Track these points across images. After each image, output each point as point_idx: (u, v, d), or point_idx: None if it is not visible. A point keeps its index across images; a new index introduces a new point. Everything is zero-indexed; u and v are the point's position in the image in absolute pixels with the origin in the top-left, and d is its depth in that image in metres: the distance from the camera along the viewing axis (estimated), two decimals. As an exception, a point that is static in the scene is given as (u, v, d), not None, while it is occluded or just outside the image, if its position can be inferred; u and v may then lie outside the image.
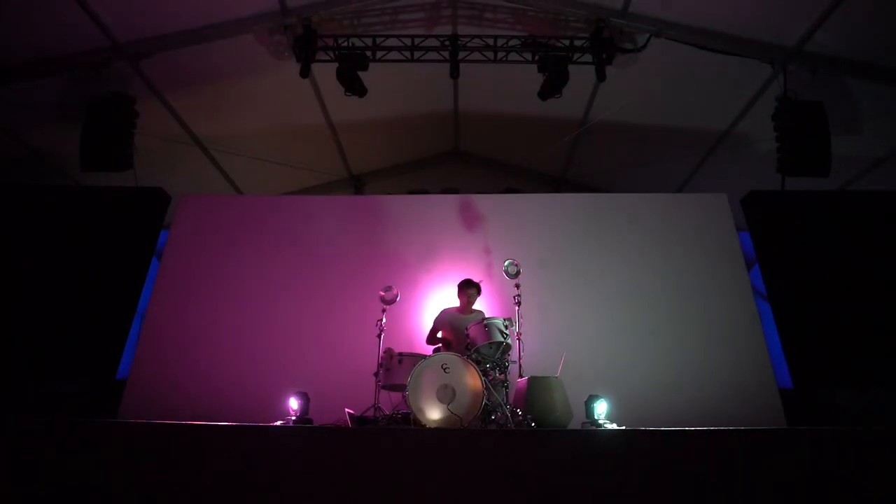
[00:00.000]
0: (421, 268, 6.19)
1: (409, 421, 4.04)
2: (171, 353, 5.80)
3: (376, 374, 4.58)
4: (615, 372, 5.49)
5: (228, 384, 5.59)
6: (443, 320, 5.14)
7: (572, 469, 2.72)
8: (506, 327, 4.48)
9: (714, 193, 6.51)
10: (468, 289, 5.11)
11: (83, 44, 5.93)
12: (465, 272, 5.70)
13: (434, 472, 2.71)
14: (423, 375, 4.04)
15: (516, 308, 4.81)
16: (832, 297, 5.73)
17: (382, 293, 5.00)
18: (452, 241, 6.34)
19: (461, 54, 6.33)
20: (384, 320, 4.86)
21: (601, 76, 6.18)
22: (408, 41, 6.34)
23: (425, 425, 3.86)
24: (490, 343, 4.40)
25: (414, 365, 4.14)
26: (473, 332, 4.53)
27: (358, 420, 4.38)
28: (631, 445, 2.90)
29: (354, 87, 6.35)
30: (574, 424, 4.34)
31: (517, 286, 4.89)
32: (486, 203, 6.62)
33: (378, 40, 6.34)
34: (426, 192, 7.70)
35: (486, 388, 4.03)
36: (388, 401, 4.67)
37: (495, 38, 6.36)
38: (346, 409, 4.53)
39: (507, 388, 4.55)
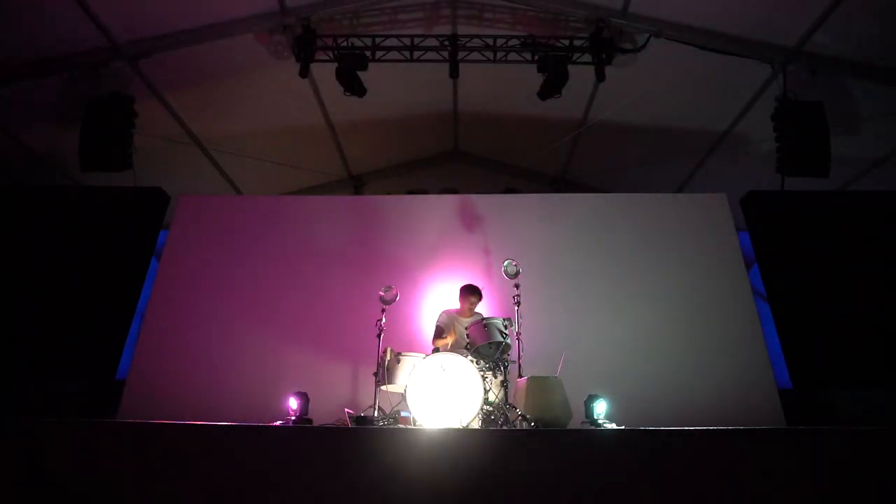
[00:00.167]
0: (420, 268, 6.19)
1: (408, 421, 4.04)
2: (171, 353, 5.80)
3: (376, 374, 4.58)
4: (614, 372, 5.49)
5: (228, 384, 5.59)
6: (442, 321, 5.14)
7: (572, 469, 2.72)
8: (505, 327, 4.48)
9: (713, 193, 6.52)
10: (471, 296, 5.08)
11: (82, 44, 5.93)
12: (464, 272, 5.70)
13: (433, 472, 2.71)
14: (423, 375, 4.05)
15: (516, 308, 4.82)
16: (831, 297, 5.74)
17: (382, 293, 5.00)
18: (452, 242, 6.34)
19: (461, 54, 6.33)
20: (384, 320, 4.85)
21: (601, 76, 6.19)
22: (407, 41, 6.35)
23: (424, 425, 3.87)
24: (489, 343, 4.40)
25: (413, 365, 4.14)
26: (473, 331, 4.54)
27: (357, 420, 4.38)
28: (630, 445, 2.90)
29: (354, 87, 6.35)
30: (573, 424, 4.33)
31: (516, 286, 4.89)
32: (485, 203, 6.62)
33: (377, 40, 6.34)
34: (426, 192, 7.70)
35: (486, 388, 4.03)
36: (388, 401, 4.67)
37: (495, 38, 6.36)
38: (346, 409, 4.53)
39: (506, 388, 4.55)
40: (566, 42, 6.29)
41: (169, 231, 6.49)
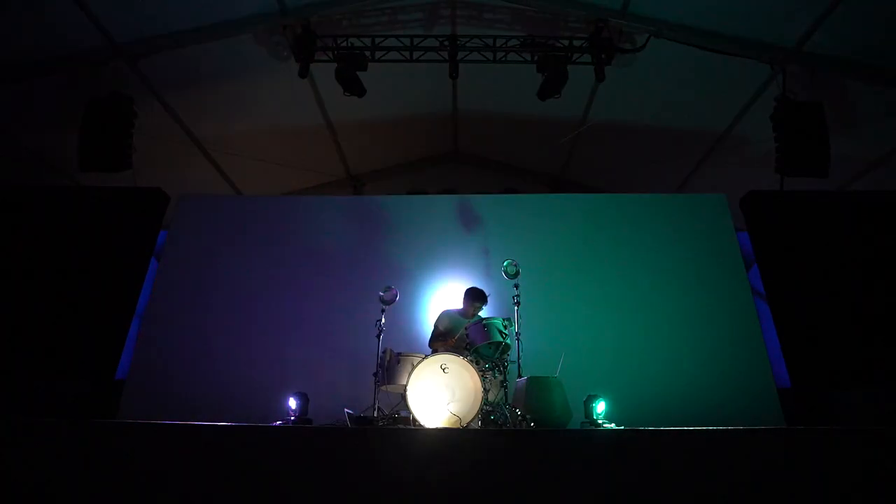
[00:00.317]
0: (420, 268, 6.20)
1: (408, 421, 4.04)
2: (171, 353, 5.81)
3: (375, 374, 4.58)
4: (614, 372, 5.50)
5: (228, 384, 5.59)
6: (442, 321, 5.14)
7: (571, 469, 2.72)
8: (505, 327, 4.49)
9: (713, 194, 6.52)
10: (476, 301, 5.01)
11: (82, 44, 5.92)
12: (464, 272, 5.71)
13: (433, 472, 2.71)
14: (423, 375, 4.05)
15: (515, 308, 4.82)
16: (831, 297, 5.74)
17: (381, 293, 5.00)
18: (451, 242, 6.34)
19: (460, 54, 6.33)
20: (383, 320, 4.85)
21: (600, 76, 6.18)
22: (407, 41, 6.34)
23: (424, 426, 3.87)
24: (489, 343, 4.40)
25: (413, 365, 4.14)
26: (473, 332, 4.54)
27: (357, 420, 4.38)
28: (630, 445, 2.91)
29: (353, 87, 6.35)
30: (573, 424, 4.34)
31: (516, 286, 4.90)
32: (484, 203, 6.62)
33: (377, 40, 6.34)
34: (425, 192, 7.71)
35: (486, 389, 4.03)
36: (388, 401, 4.67)
37: (494, 38, 6.35)
38: (346, 409, 4.53)
39: (506, 388, 4.55)
40: (566, 42, 6.29)
41: (169, 231, 6.49)
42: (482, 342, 4.41)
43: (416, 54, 6.37)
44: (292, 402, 4.65)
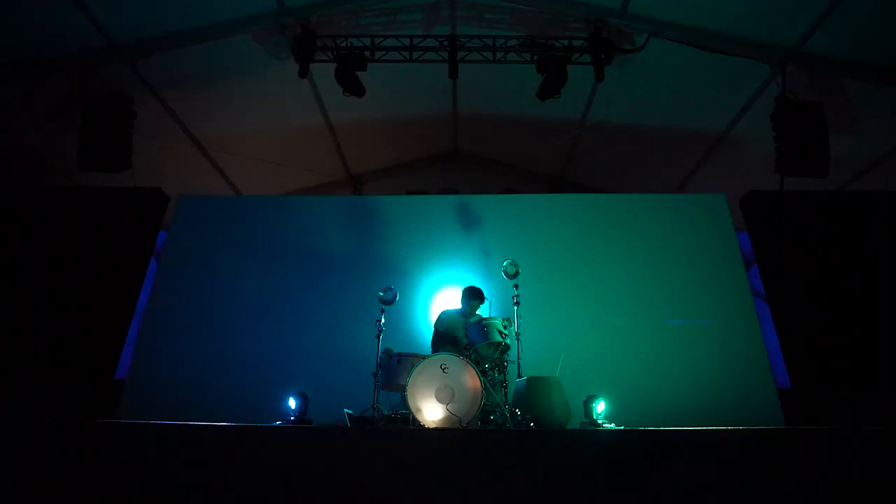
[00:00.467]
0: (420, 268, 6.20)
1: (407, 421, 4.04)
2: (171, 353, 5.81)
3: (375, 375, 4.58)
4: (614, 372, 5.50)
5: (228, 384, 5.59)
6: (442, 321, 5.14)
7: (571, 469, 2.72)
8: (504, 327, 4.48)
9: (713, 193, 6.52)
10: (473, 299, 5.02)
11: (81, 45, 5.92)
12: (463, 272, 5.71)
13: (433, 472, 2.71)
14: (422, 376, 4.05)
15: (515, 308, 4.82)
16: (831, 297, 5.74)
17: (381, 293, 5.00)
18: (451, 242, 6.34)
19: (460, 54, 6.33)
20: (383, 321, 4.85)
21: (600, 76, 6.18)
22: (406, 41, 6.34)
23: (424, 426, 3.87)
24: (489, 343, 4.40)
25: (413, 365, 4.14)
26: (472, 332, 4.54)
27: (357, 420, 4.38)
28: (630, 445, 2.91)
29: (353, 87, 6.35)
30: (573, 424, 4.35)
31: (516, 286, 4.89)
32: (484, 203, 6.62)
33: (377, 40, 6.34)
34: (425, 192, 7.71)
35: (485, 388, 4.03)
36: (388, 401, 4.67)
37: (494, 38, 6.36)
38: (345, 410, 4.53)
39: (505, 387, 4.55)
40: (565, 42, 6.29)
41: (168, 231, 6.49)
42: (482, 342, 4.41)
43: (415, 54, 6.37)
44: (292, 402, 4.65)
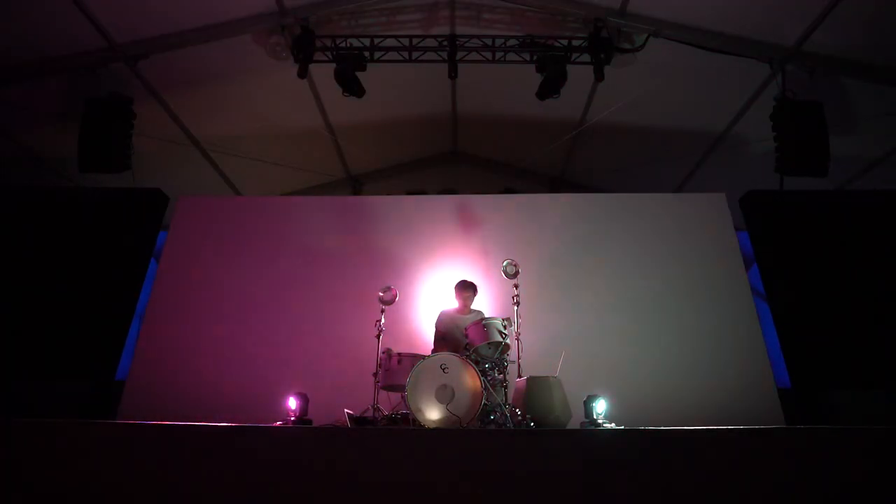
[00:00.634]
0: (419, 268, 6.20)
1: (407, 421, 4.04)
2: (171, 353, 5.80)
3: (375, 375, 4.58)
4: (614, 372, 5.49)
5: (228, 384, 5.59)
6: (442, 322, 5.14)
7: (571, 469, 2.72)
8: (504, 327, 4.48)
9: (712, 193, 6.52)
10: (465, 290, 5.09)
11: (81, 45, 5.93)
12: (463, 272, 5.70)
13: (433, 472, 2.71)
14: (422, 376, 4.04)
15: (515, 308, 4.82)
16: (831, 296, 5.74)
17: (381, 294, 5.00)
18: (451, 242, 6.34)
19: (459, 54, 6.34)
20: (383, 321, 4.85)
21: (599, 76, 6.19)
22: (406, 41, 6.35)
23: (424, 426, 3.87)
24: (489, 343, 4.40)
25: (413, 365, 4.14)
26: (472, 332, 4.53)
27: (357, 420, 4.38)
28: (630, 445, 2.91)
29: (352, 87, 6.35)
30: (573, 424, 4.34)
31: (516, 286, 4.89)
32: (484, 203, 6.62)
33: (376, 41, 6.34)
34: (424, 192, 7.71)
35: (485, 389, 4.03)
36: (387, 401, 4.67)
37: (493, 38, 6.36)
38: (345, 410, 4.52)
39: (506, 388, 4.55)
40: (565, 42, 6.30)
41: (168, 232, 6.48)
42: (482, 342, 4.41)
43: (415, 54, 6.38)
44: (292, 402, 4.64)
